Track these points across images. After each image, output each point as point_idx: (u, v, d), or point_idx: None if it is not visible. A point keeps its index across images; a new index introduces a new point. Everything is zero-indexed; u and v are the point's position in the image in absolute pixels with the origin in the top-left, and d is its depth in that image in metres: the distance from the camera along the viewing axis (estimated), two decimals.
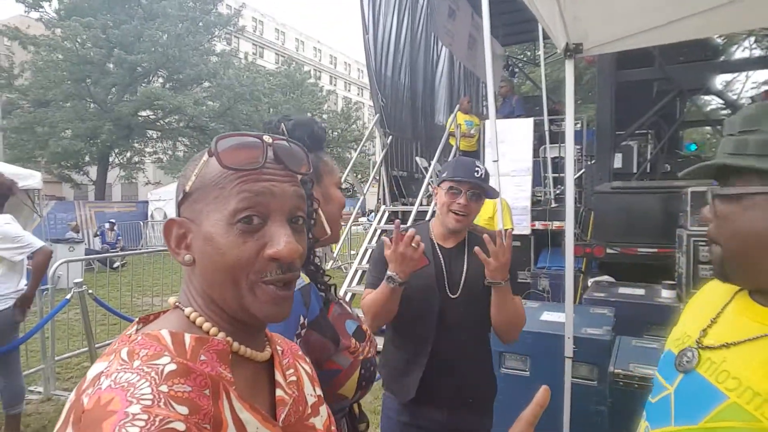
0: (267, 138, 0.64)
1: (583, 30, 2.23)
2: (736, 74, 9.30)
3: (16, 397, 3.34)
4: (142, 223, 16.08)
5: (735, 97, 9.71)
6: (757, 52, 11.50)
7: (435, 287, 1.71)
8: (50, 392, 4.26)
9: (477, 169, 1.70)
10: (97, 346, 4.59)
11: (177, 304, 0.66)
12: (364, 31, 8.03)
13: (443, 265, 1.75)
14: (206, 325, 0.63)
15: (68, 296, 4.08)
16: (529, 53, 16.36)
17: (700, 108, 8.65)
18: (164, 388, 0.51)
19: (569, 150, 2.33)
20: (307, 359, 0.85)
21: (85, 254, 10.58)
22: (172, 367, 0.54)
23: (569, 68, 2.30)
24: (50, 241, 9.31)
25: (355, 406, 1.17)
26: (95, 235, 14.48)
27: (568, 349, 2.09)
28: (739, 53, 8.61)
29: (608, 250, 4.70)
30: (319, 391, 0.80)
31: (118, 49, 19.37)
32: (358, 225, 13.94)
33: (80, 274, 6.84)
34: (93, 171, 23.12)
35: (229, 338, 0.63)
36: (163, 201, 17.09)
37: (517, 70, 14.45)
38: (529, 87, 16.51)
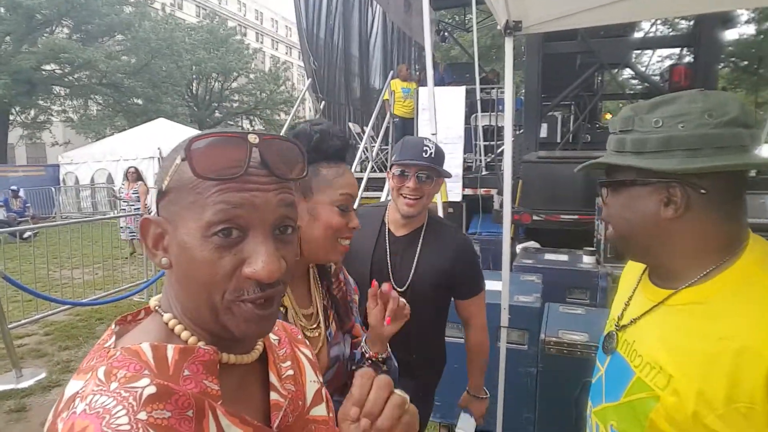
0: (252, 137, 0.55)
1: (523, 8, 2.26)
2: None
3: None
4: (53, 189, 14.75)
5: (644, 69, 10.34)
6: (662, 29, 12.37)
7: (368, 277, 1.53)
8: None
9: (426, 148, 1.56)
10: (11, 326, 4.28)
11: (157, 307, 0.61)
12: None
13: (388, 254, 1.64)
14: (185, 334, 0.59)
15: None
16: (457, 18, 16.30)
17: (616, 81, 9.17)
18: (143, 415, 0.49)
19: (507, 127, 2.37)
20: (307, 343, 0.82)
21: None
22: (152, 390, 0.51)
23: (509, 45, 2.33)
24: None
25: None
26: None
27: (504, 318, 2.23)
28: (648, 30, 9.17)
29: (534, 217, 4.96)
30: (320, 377, 0.78)
31: None
32: None
33: None
34: None
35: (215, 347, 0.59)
36: (75, 164, 15.73)
37: (446, 34, 14.47)
38: (458, 52, 16.56)
